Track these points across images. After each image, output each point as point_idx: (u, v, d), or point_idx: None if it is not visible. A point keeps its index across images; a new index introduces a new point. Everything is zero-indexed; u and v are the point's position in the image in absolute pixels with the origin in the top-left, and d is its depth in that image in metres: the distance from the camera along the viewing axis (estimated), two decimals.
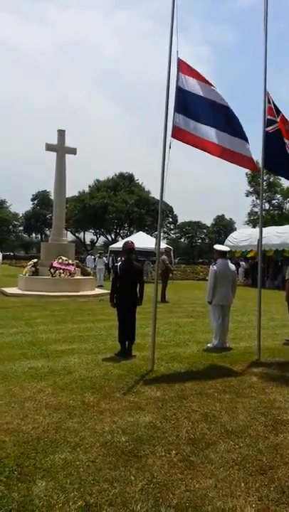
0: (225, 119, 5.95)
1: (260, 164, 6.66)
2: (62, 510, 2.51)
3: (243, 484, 2.86)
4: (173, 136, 5.59)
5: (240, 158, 6.07)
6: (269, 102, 6.32)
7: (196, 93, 5.78)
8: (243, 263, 25.80)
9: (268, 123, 6.29)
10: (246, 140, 6.05)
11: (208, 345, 7.19)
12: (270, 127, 6.26)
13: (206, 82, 5.89)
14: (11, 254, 62.54)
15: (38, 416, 3.89)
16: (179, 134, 5.64)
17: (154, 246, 21.62)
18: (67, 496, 2.64)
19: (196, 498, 2.67)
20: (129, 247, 6.57)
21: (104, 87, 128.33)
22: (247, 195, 49.63)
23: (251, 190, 48.37)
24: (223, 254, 7.45)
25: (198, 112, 5.80)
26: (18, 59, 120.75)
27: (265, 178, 7.20)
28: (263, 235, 7.42)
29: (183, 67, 5.73)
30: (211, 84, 5.90)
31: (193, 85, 5.78)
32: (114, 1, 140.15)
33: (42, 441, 3.39)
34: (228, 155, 6.00)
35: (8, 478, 2.83)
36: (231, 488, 2.80)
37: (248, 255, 23.87)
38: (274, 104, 6.34)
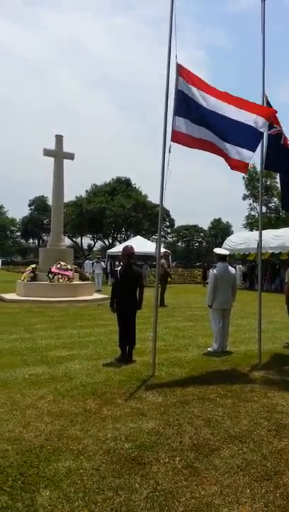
0: (225, 127, 5.82)
1: (258, 167, 6.67)
2: None
3: (248, 490, 2.84)
4: (173, 140, 5.59)
5: (236, 163, 5.93)
6: (269, 106, 6.33)
7: (195, 96, 5.76)
8: (241, 266, 25.86)
9: (269, 127, 6.30)
10: (248, 147, 5.86)
11: (209, 349, 7.18)
12: (272, 130, 6.28)
13: (206, 86, 5.83)
14: (9, 259, 62.37)
15: (40, 423, 3.86)
16: (178, 137, 5.64)
17: (152, 250, 21.61)
18: (71, 505, 2.61)
19: (201, 506, 2.64)
20: (129, 252, 6.55)
21: (102, 90, 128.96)
22: (244, 199, 49.70)
23: (248, 193, 48.48)
24: (222, 257, 7.45)
25: (198, 115, 5.77)
26: (12, 62, 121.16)
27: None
28: None
29: (182, 71, 5.73)
30: (211, 90, 5.82)
31: (192, 89, 5.77)
32: (110, 3, 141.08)
33: (45, 449, 3.36)
34: (224, 156, 5.90)
35: (12, 487, 2.80)
36: (237, 495, 2.78)
37: (248, 258, 23.89)
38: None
